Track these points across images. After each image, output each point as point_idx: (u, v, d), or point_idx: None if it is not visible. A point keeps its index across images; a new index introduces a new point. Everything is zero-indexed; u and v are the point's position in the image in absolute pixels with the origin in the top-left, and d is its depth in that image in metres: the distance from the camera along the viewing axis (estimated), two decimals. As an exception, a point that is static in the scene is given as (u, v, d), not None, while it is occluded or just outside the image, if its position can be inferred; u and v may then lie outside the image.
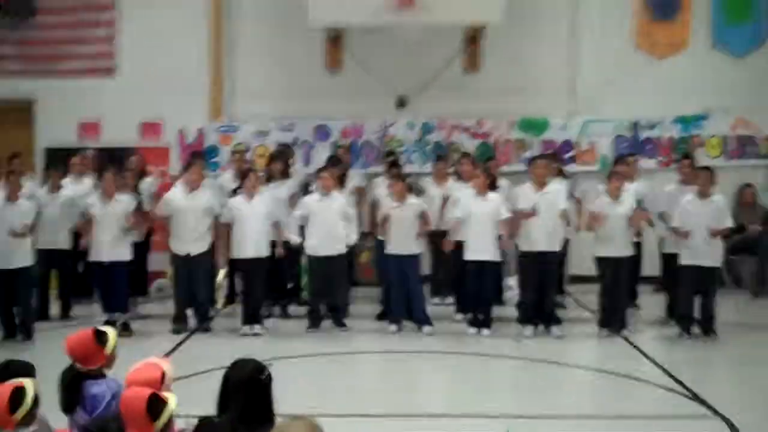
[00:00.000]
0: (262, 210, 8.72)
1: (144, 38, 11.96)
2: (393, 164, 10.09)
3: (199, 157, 9.79)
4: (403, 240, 8.76)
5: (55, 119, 12.06)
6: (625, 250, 8.47)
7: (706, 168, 8.65)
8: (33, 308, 8.77)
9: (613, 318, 8.55)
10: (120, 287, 8.75)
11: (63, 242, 9.53)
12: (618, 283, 8.50)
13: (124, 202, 8.75)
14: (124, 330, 8.61)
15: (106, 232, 8.64)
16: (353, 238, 9.00)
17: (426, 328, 8.75)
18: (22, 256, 8.42)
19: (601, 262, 8.53)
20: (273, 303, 9.61)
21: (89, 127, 12.07)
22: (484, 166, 9.06)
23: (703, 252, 8.34)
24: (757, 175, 11.77)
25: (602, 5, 11.83)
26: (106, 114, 12.04)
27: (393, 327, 8.86)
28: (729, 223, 8.50)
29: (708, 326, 8.44)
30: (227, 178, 10.21)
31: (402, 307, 8.94)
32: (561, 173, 9.74)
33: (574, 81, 11.92)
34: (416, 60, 11.61)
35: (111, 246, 8.63)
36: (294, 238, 8.94)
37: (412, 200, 8.84)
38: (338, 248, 8.81)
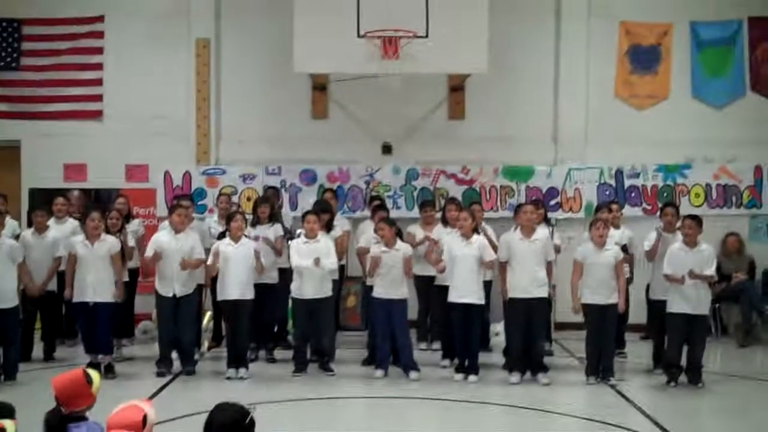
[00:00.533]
0: (247, 253, 8.69)
1: (131, 82, 12.04)
2: (379, 207, 10.10)
3: (184, 200, 9.79)
4: (390, 284, 8.74)
5: (41, 161, 12.05)
6: (610, 298, 8.47)
7: (694, 217, 8.68)
8: (18, 349, 8.64)
9: (599, 366, 8.53)
10: (104, 328, 8.66)
11: (49, 284, 9.44)
12: (604, 331, 8.49)
13: (108, 242, 8.71)
14: (108, 372, 8.56)
15: (90, 272, 8.59)
16: (331, 263, 8.79)
17: (413, 374, 8.70)
18: (8, 296, 8.33)
19: (587, 309, 8.52)
20: (258, 347, 9.54)
21: (75, 169, 12.06)
22: (469, 210, 9.08)
23: (692, 300, 8.36)
24: (741, 224, 11.88)
25: (584, 57, 12.02)
26: (92, 156, 12.05)
27: (379, 372, 8.80)
28: (711, 272, 8.50)
29: (695, 375, 8.43)
30: (213, 220, 10.19)
31: (388, 352, 8.89)
32: (545, 219, 9.78)
33: (557, 129, 12.08)
34: (401, 108, 11.78)
35: (95, 287, 8.58)
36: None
37: (400, 245, 8.83)
38: (325, 291, 8.79)
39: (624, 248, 9.04)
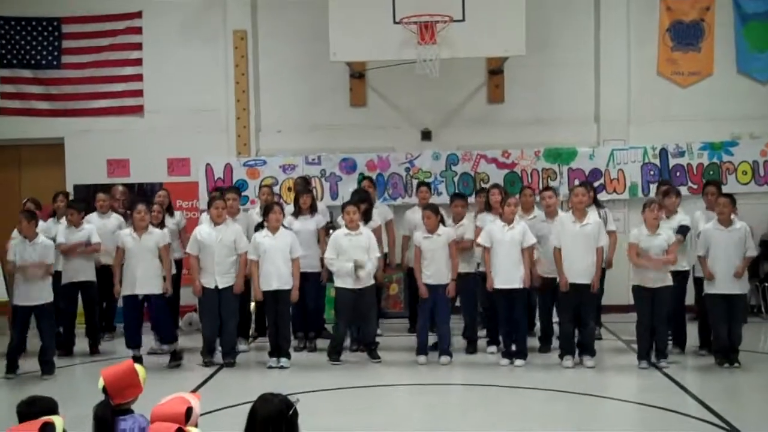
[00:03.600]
0: (285, 243, 8.71)
1: (170, 76, 12.18)
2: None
3: (229, 191, 9.79)
4: (435, 270, 8.71)
5: (84, 157, 12.23)
6: (661, 281, 8.25)
7: (727, 195, 8.52)
8: (54, 344, 8.74)
9: (650, 349, 8.38)
10: (163, 318, 8.90)
11: (88, 274, 9.59)
12: (657, 313, 8.25)
13: (156, 235, 8.83)
14: (174, 359, 8.81)
15: (138, 265, 8.73)
16: (372, 269, 8.85)
17: (443, 359, 8.71)
18: (43, 293, 8.42)
19: (637, 292, 8.33)
20: (305, 335, 9.61)
21: (118, 165, 12.23)
22: (521, 196, 9.00)
23: (728, 280, 8.19)
24: (791, 201, 11.60)
25: (625, 35, 11.84)
26: (135, 151, 12.21)
27: (422, 358, 8.79)
28: (753, 251, 8.38)
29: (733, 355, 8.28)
30: (256, 212, 10.19)
31: (427, 338, 8.89)
32: (596, 202, 9.65)
33: (599, 109, 11.91)
34: (440, 93, 11.71)
35: (144, 279, 8.71)
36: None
37: (442, 230, 8.78)
38: (367, 281, 8.81)
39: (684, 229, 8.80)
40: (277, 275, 8.65)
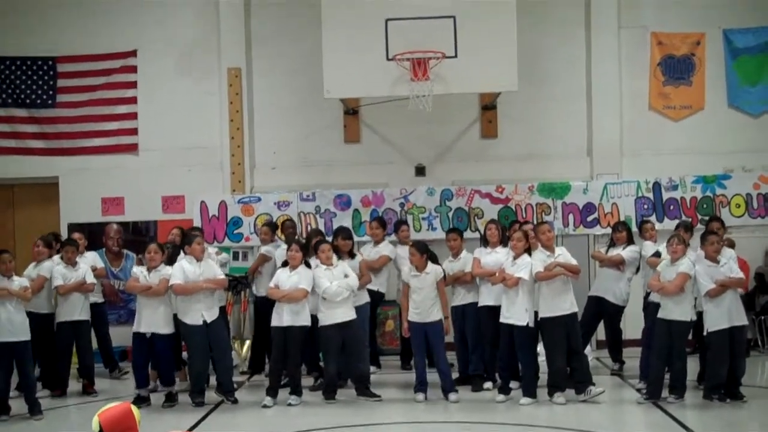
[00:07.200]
0: (299, 280, 8.68)
1: (165, 114, 12.21)
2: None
3: (194, 230, 9.83)
4: (423, 308, 8.67)
5: (79, 196, 12.21)
6: (681, 315, 8.16)
7: (712, 232, 8.49)
8: (34, 381, 8.69)
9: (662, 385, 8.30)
10: (164, 359, 8.83)
11: (83, 313, 9.48)
12: (674, 347, 8.18)
13: (165, 274, 8.77)
14: (169, 400, 8.77)
15: (148, 303, 8.72)
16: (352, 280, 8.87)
17: (452, 396, 8.63)
18: (19, 329, 8.33)
19: (660, 324, 8.24)
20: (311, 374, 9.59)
21: (112, 203, 12.21)
22: (523, 231, 8.96)
23: (731, 312, 8.11)
24: (784, 234, 11.63)
25: (616, 69, 11.95)
26: (129, 189, 12.21)
27: (420, 396, 8.71)
28: (738, 274, 8.26)
29: (737, 390, 8.22)
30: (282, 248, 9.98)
31: (425, 374, 8.81)
32: (630, 239, 9.74)
33: (592, 144, 11.97)
34: (434, 128, 11.77)
35: (152, 318, 8.71)
36: None
37: (430, 268, 8.74)
38: (350, 314, 8.80)
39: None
40: (290, 311, 8.62)
